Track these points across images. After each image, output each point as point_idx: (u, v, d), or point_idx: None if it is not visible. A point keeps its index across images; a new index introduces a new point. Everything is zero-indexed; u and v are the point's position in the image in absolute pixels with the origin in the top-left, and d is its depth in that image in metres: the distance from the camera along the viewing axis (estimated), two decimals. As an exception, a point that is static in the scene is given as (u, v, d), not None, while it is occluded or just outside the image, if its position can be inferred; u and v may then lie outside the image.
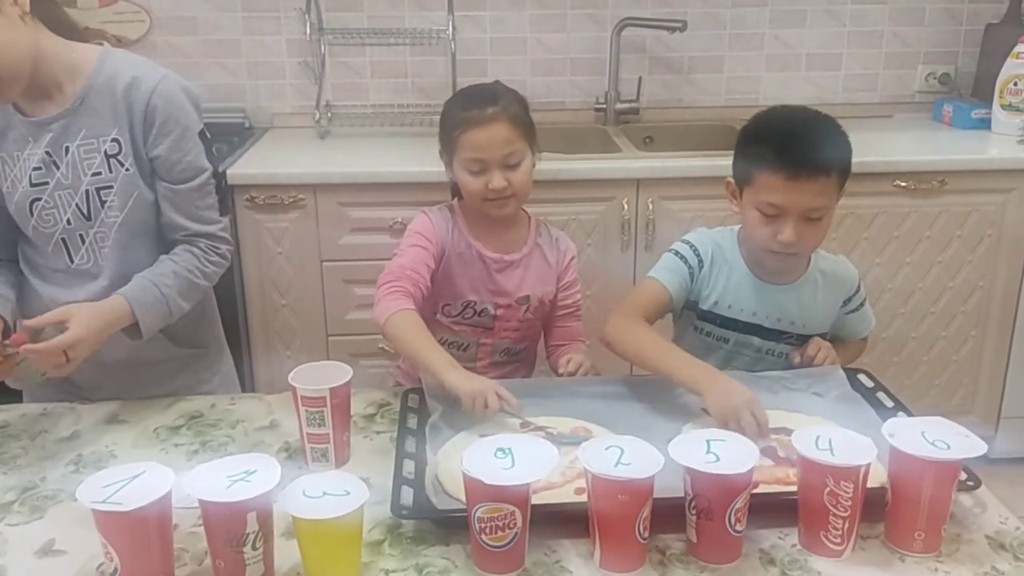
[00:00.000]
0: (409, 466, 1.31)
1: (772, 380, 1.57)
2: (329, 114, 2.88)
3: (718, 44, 3.01)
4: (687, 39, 2.94)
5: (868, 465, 1.11)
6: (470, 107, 1.66)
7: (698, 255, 1.66)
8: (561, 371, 1.64)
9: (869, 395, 1.52)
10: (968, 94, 3.04)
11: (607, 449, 1.13)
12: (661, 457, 1.11)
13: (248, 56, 2.92)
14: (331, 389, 1.32)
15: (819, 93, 3.04)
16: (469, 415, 1.40)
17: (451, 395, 1.42)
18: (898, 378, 2.66)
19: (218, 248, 1.61)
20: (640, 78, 2.97)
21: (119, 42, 2.86)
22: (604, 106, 2.96)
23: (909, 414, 1.44)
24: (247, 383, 2.55)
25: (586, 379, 1.60)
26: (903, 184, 2.53)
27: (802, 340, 1.66)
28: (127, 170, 1.53)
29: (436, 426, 1.41)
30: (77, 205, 1.53)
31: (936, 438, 1.16)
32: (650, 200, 2.49)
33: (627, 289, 2.48)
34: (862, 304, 1.72)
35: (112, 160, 1.52)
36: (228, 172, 2.40)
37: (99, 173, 1.52)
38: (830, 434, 1.17)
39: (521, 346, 1.82)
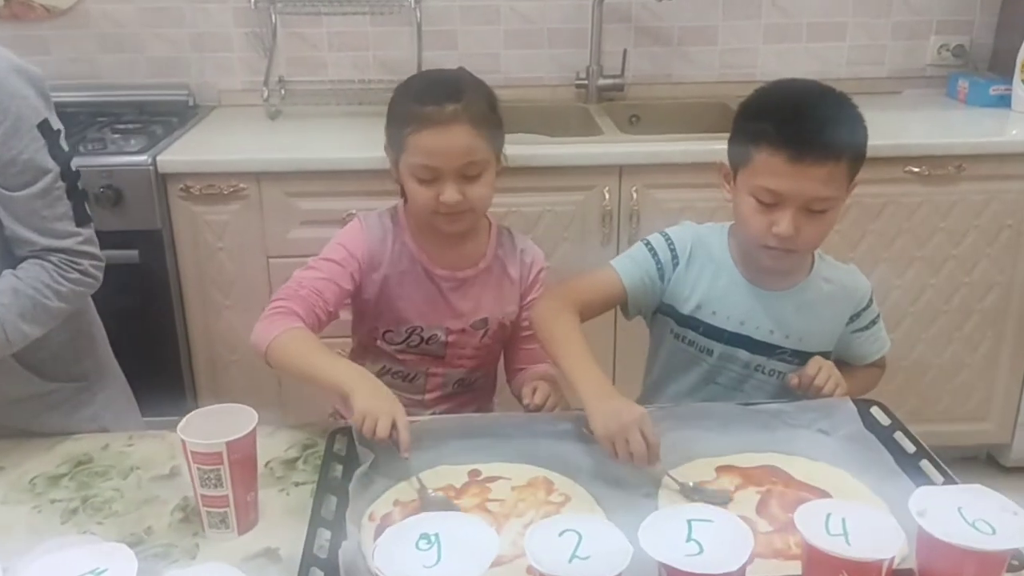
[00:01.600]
0: (325, 537, 1.06)
1: (769, 414, 1.33)
2: (282, 91, 2.62)
3: (711, 13, 2.77)
4: (677, 7, 2.71)
5: (892, 559, 0.87)
6: (425, 100, 1.38)
7: (673, 250, 1.44)
8: (526, 402, 1.39)
9: (885, 435, 1.28)
10: (985, 68, 2.83)
11: (561, 535, 0.89)
12: (628, 548, 0.87)
13: (191, 26, 2.65)
14: (228, 443, 1.07)
15: (821, 67, 2.81)
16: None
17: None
18: (908, 382, 2.43)
19: (77, 264, 1.32)
20: (625, 51, 2.73)
21: (48, 13, 2.59)
22: (585, 82, 2.72)
23: (934, 461, 1.21)
24: (188, 395, 2.32)
25: (551, 416, 1.35)
26: (915, 169, 2.30)
27: (797, 358, 1.43)
28: None
29: (365, 480, 1.17)
30: None
31: (977, 517, 0.92)
32: (634, 188, 2.24)
33: None
34: (873, 322, 1.48)
35: None
36: (159, 159, 2.15)
37: None
38: (843, 511, 0.93)
39: (477, 375, 1.58)
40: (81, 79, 2.64)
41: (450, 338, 1.51)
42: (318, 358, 1.28)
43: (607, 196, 2.24)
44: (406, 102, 1.41)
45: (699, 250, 1.44)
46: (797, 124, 1.27)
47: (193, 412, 1.13)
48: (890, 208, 2.33)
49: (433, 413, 1.58)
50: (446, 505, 1.13)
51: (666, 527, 0.90)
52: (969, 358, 2.49)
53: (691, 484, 1.18)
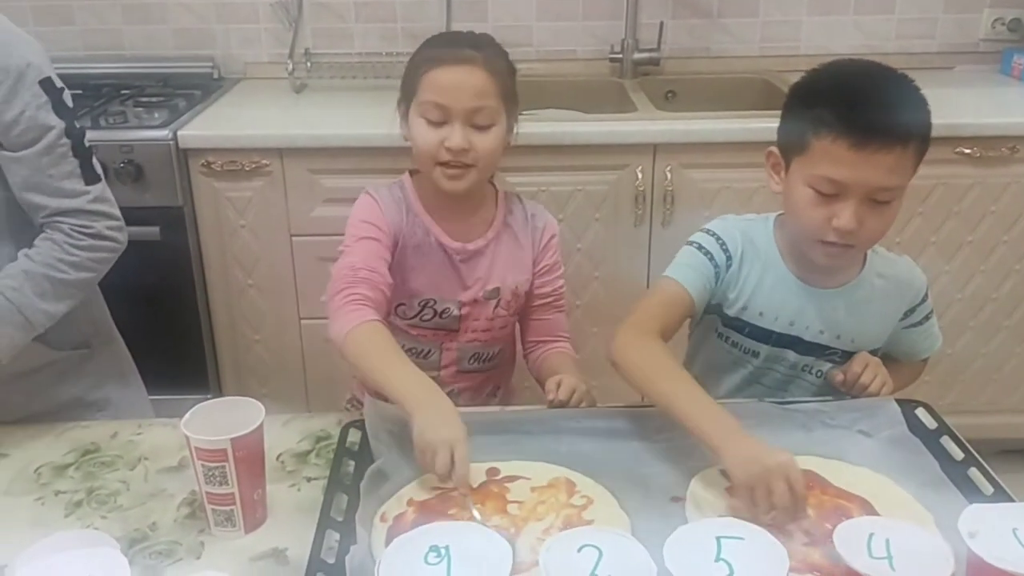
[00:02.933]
0: (334, 539, 1.01)
1: (806, 414, 1.25)
2: (308, 64, 2.56)
3: (753, -17, 2.65)
4: (717, -22, 2.59)
5: (942, 586, 0.80)
6: (445, 44, 1.37)
7: (726, 250, 1.34)
8: (550, 397, 1.32)
9: (931, 439, 1.20)
10: (1043, 43, 2.68)
11: (579, 551, 0.83)
12: (652, 568, 0.81)
13: (216, -4, 2.58)
14: (233, 440, 1.02)
15: (868, 41, 2.68)
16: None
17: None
18: (952, 372, 2.34)
19: (89, 227, 1.29)
20: (662, 23, 2.61)
21: (70, -18, 2.55)
22: (620, 56, 2.62)
23: (983, 469, 1.12)
24: (211, 376, 2.28)
25: (575, 412, 1.29)
26: (966, 151, 2.19)
27: (847, 357, 1.34)
28: None
29: (377, 477, 1.11)
30: None
31: (1034, 540, 0.84)
32: (668, 168, 2.16)
33: (639, 272, 2.21)
34: (927, 318, 1.39)
35: None
36: (179, 133, 2.10)
37: None
38: (887, 531, 0.85)
39: (493, 349, 1.52)
40: (105, 50, 2.60)
41: (463, 311, 1.46)
42: (388, 365, 1.20)
43: (640, 176, 2.16)
44: (426, 47, 1.40)
45: (748, 248, 1.35)
46: (862, 108, 1.17)
47: (198, 405, 1.08)
48: (939, 191, 2.22)
49: (450, 391, 1.52)
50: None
51: (693, 545, 0.84)
52: (1019, 347, 2.38)
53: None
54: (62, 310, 1.28)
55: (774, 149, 1.30)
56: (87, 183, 1.29)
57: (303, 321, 2.27)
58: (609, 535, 0.85)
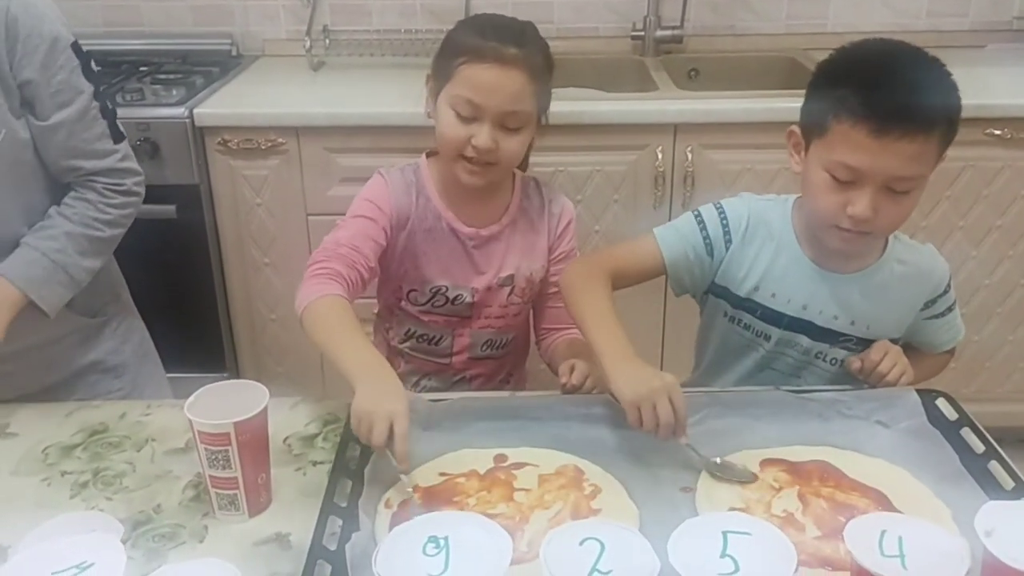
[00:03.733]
0: (336, 524, 1.00)
1: (823, 403, 1.23)
2: (326, 41, 2.53)
3: (779, -42, 2.58)
4: (742, -48, 2.53)
5: (956, 587, 0.78)
6: (488, 36, 1.31)
7: (725, 225, 1.32)
8: (563, 380, 1.30)
9: (951, 431, 1.17)
10: (1079, 21, 2.59)
11: (581, 544, 0.81)
12: (655, 564, 0.79)
13: (236, -28, 2.56)
14: (236, 424, 1.01)
15: (898, 19, 2.62)
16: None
17: None
18: (978, 360, 2.28)
19: (120, 184, 1.36)
20: (685, 0, 2.55)
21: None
22: (642, 33, 2.57)
23: (1004, 463, 1.09)
24: (227, 355, 2.29)
25: (584, 398, 1.26)
26: (996, 132, 2.13)
27: (863, 345, 1.31)
28: None
29: (382, 463, 1.10)
30: None
31: (1055, 539, 0.81)
32: (689, 149, 2.12)
33: None
34: (949, 309, 1.35)
35: None
36: (196, 111, 2.09)
37: None
38: (900, 527, 0.83)
39: (506, 336, 1.50)
40: (124, 26, 2.59)
41: (476, 298, 1.43)
42: (339, 337, 1.19)
43: (660, 156, 2.12)
44: (467, 34, 1.33)
45: (758, 226, 1.32)
46: (883, 92, 1.12)
47: (203, 388, 1.07)
48: (968, 173, 2.16)
49: (462, 378, 1.51)
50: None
51: (699, 539, 0.82)
52: (1047, 335, 2.33)
53: (717, 461, 1.10)
54: (98, 265, 1.37)
55: (795, 128, 1.26)
56: (115, 142, 1.35)
57: (319, 301, 2.26)
58: (612, 528, 0.83)
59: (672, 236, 1.33)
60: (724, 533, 0.82)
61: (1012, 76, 2.38)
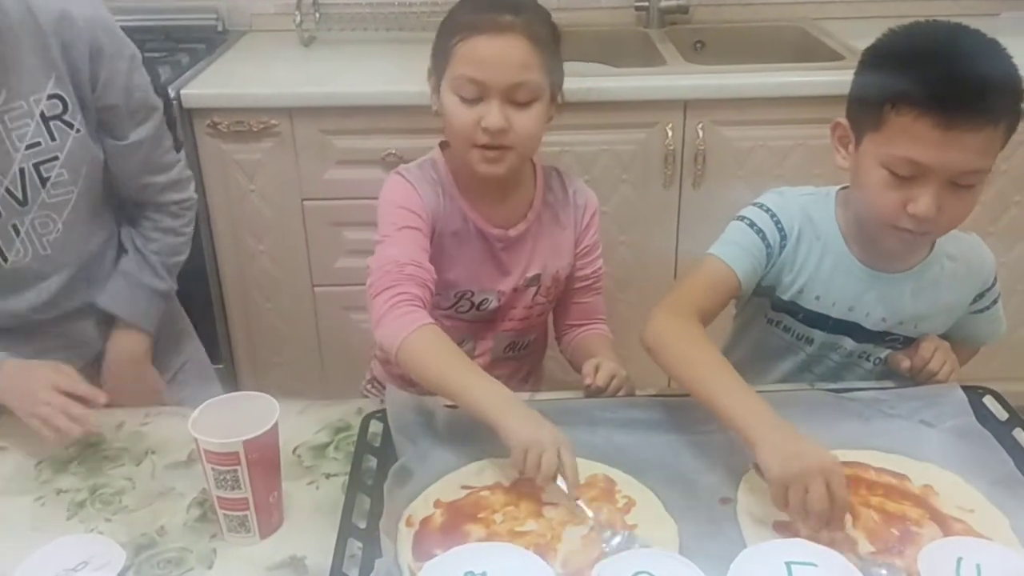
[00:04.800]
0: (356, 547, 0.93)
1: (863, 403, 1.16)
2: (317, 15, 2.42)
3: (788, -78, 2.49)
4: (749, -83, 2.44)
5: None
6: (481, 8, 1.21)
7: (780, 228, 1.22)
8: (588, 382, 1.21)
9: (1002, 431, 1.11)
10: (1099, -14, 2.50)
11: (632, 578, 0.75)
12: (715, 600, 0.72)
13: (219, -58, 2.44)
14: (246, 442, 0.94)
15: (908, -18, 2.51)
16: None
17: (504, 444, 1.03)
18: (1018, 352, 2.15)
19: (187, 200, 1.42)
20: (691, -33, 2.47)
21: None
22: (646, 4, 2.47)
23: (1062, 467, 1.03)
24: (222, 345, 2.21)
25: (614, 402, 1.19)
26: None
27: (909, 342, 1.24)
28: (77, 132, 1.24)
29: (401, 475, 1.03)
30: (7, 189, 1.22)
31: None
32: (700, 125, 2.03)
33: (668, 236, 2.11)
34: (995, 301, 1.29)
35: (54, 123, 1.22)
36: (183, 92, 1.98)
37: (37, 143, 1.21)
38: (978, 553, 0.77)
39: (529, 338, 1.43)
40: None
41: (502, 301, 1.35)
42: (461, 374, 1.10)
43: (670, 134, 2.04)
44: (458, 14, 1.24)
45: (806, 226, 1.22)
46: (951, 81, 1.03)
47: (207, 402, 1.00)
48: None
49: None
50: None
51: (759, 566, 0.75)
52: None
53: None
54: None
55: (843, 120, 1.16)
56: (177, 150, 1.40)
57: (316, 288, 2.18)
58: (664, 559, 0.77)
59: (738, 253, 1.21)
60: (788, 564, 0.75)
61: (1028, 46, 2.30)
